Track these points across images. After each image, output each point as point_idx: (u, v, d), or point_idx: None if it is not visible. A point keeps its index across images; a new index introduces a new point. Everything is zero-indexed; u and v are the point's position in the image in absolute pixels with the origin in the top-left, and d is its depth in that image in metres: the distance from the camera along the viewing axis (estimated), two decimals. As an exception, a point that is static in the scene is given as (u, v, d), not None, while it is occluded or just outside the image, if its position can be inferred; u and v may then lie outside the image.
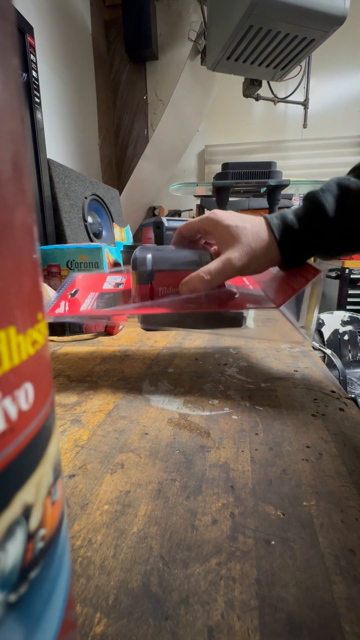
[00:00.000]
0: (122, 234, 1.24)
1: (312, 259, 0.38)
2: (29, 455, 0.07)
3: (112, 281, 0.45)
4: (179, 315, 0.37)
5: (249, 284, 0.44)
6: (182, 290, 0.35)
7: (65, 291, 0.42)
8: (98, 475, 0.22)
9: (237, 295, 0.37)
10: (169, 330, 0.41)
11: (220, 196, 1.32)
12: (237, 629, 0.13)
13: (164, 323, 0.38)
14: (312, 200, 0.36)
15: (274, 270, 0.41)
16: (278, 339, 0.44)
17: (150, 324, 0.38)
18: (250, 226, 0.36)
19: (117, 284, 0.44)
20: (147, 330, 0.40)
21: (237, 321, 0.38)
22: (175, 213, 2.27)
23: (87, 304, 0.40)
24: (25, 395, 0.07)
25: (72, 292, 0.42)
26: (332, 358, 1.05)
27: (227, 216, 0.36)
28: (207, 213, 0.38)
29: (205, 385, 0.36)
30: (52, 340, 0.53)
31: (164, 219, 1.08)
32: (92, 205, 1.24)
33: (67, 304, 0.40)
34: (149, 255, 0.36)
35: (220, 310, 0.37)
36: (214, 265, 0.34)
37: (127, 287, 0.43)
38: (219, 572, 0.16)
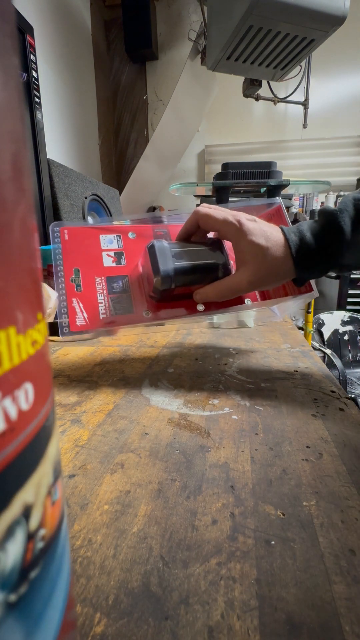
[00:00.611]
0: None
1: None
2: (29, 455, 0.07)
3: (109, 248, 0.40)
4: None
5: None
6: (195, 298, 0.38)
7: (66, 277, 0.38)
8: (98, 475, 0.22)
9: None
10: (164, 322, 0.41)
11: (220, 196, 1.33)
12: (237, 629, 0.13)
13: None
14: (329, 221, 0.35)
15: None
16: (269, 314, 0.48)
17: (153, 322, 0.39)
18: (272, 246, 0.35)
19: (117, 255, 0.40)
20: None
21: (214, 272, 0.37)
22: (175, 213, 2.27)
23: (102, 301, 0.37)
24: (25, 395, 0.07)
25: (73, 277, 0.38)
26: (332, 358, 1.05)
27: (252, 228, 0.35)
28: (229, 216, 0.36)
29: (205, 385, 0.36)
30: (52, 340, 0.53)
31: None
32: (92, 205, 1.24)
33: (81, 305, 0.37)
34: (171, 265, 0.35)
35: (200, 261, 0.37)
36: (230, 284, 0.36)
37: (129, 261, 0.40)
38: (219, 572, 0.16)
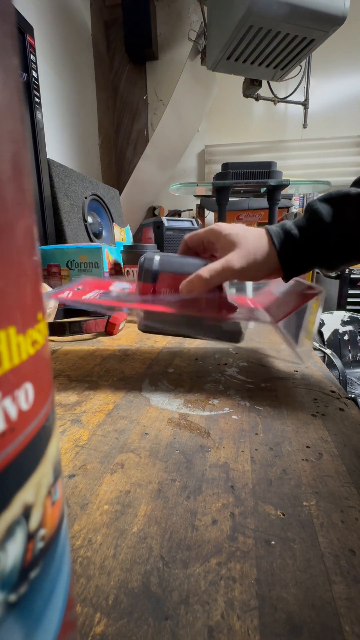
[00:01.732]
0: (122, 234, 1.24)
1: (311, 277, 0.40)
2: (29, 455, 0.07)
3: (118, 286, 0.46)
4: (179, 318, 0.37)
5: (252, 305, 0.44)
6: (182, 290, 0.36)
7: (72, 287, 0.43)
8: (98, 475, 0.22)
9: (237, 310, 0.37)
10: (166, 335, 0.41)
11: (220, 196, 1.32)
12: (237, 629, 0.13)
13: (163, 324, 0.38)
14: (309, 209, 0.38)
15: (277, 292, 0.42)
16: (274, 355, 0.45)
17: (149, 321, 0.39)
18: (250, 235, 0.37)
19: (123, 289, 0.45)
20: (145, 332, 0.40)
21: (235, 337, 0.38)
22: (175, 213, 2.27)
23: (91, 296, 0.40)
24: (25, 395, 0.07)
25: (78, 287, 0.43)
26: (332, 358, 1.05)
27: (228, 227, 0.38)
28: (211, 225, 0.39)
29: (205, 385, 0.36)
30: (52, 340, 0.53)
31: (164, 219, 1.08)
32: (92, 205, 1.24)
33: (70, 293, 0.41)
34: (157, 257, 0.38)
35: (220, 323, 0.38)
36: (213, 265, 0.35)
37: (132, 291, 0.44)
38: (219, 572, 0.16)
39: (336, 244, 0.36)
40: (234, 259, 0.35)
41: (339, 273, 1.71)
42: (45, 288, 0.67)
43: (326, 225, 0.37)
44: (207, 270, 0.35)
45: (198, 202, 2.08)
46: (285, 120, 2.29)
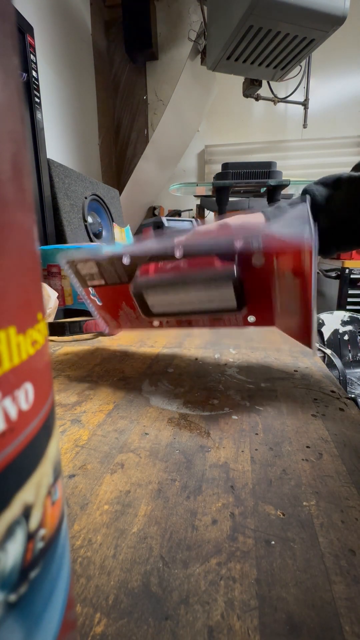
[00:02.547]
0: (122, 234, 1.24)
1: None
2: (29, 455, 0.07)
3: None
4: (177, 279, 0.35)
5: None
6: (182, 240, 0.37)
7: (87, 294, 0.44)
8: (98, 475, 0.22)
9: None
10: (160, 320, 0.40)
11: (220, 196, 1.33)
12: (237, 629, 0.13)
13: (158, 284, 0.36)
14: (305, 191, 0.41)
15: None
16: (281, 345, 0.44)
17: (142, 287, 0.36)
18: (250, 217, 0.40)
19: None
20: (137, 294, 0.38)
21: (225, 279, 0.34)
22: (175, 213, 2.27)
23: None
24: (25, 395, 0.07)
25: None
26: (332, 358, 1.05)
27: (235, 221, 0.40)
28: (220, 222, 0.40)
29: (205, 385, 0.36)
30: (52, 340, 0.53)
31: (164, 219, 1.08)
32: (92, 205, 1.24)
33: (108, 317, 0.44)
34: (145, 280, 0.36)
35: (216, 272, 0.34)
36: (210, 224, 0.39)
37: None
38: (219, 572, 0.16)
39: (326, 226, 0.36)
40: (230, 220, 0.38)
41: (338, 273, 1.71)
42: (46, 288, 0.67)
43: (317, 207, 0.39)
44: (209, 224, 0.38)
45: (198, 202, 2.08)
46: (285, 120, 2.29)
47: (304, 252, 0.30)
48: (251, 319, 0.37)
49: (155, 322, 0.40)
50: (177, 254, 0.35)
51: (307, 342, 0.34)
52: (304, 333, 0.34)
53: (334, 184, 0.41)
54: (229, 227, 0.39)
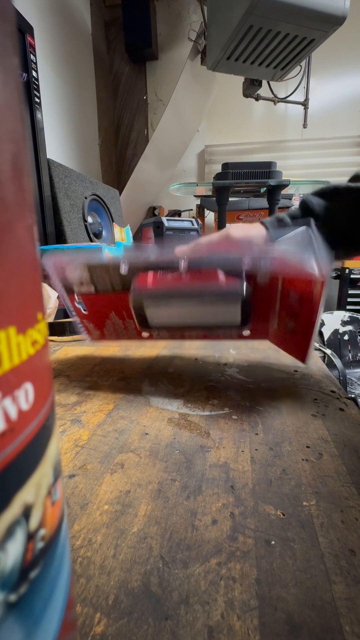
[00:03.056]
0: (122, 234, 1.24)
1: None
2: (29, 455, 0.07)
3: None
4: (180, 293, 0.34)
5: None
6: (176, 250, 0.38)
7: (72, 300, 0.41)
8: (98, 475, 0.22)
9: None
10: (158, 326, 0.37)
11: (220, 196, 1.33)
12: (237, 629, 0.13)
13: (160, 296, 0.35)
14: (303, 202, 0.43)
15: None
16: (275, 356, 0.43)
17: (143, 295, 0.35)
18: (251, 228, 0.41)
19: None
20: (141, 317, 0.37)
21: (233, 297, 0.33)
22: (175, 213, 2.27)
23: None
24: (25, 395, 0.07)
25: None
26: (332, 358, 1.05)
27: (236, 230, 0.41)
28: (222, 232, 0.41)
29: (205, 385, 0.36)
30: (52, 340, 0.53)
31: (164, 219, 1.08)
32: (92, 205, 1.24)
33: (91, 326, 0.41)
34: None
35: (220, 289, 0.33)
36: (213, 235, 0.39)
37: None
38: (219, 572, 0.16)
39: (325, 237, 0.37)
40: (232, 231, 0.39)
41: (338, 273, 1.71)
42: (46, 288, 0.67)
43: (315, 217, 0.40)
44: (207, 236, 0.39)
45: (198, 202, 2.08)
46: (285, 120, 2.29)
47: (317, 282, 0.29)
48: (245, 332, 0.36)
49: (145, 333, 0.38)
50: (182, 266, 0.34)
51: (302, 358, 0.34)
52: (299, 350, 0.34)
53: (331, 194, 0.42)
54: (233, 242, 0.39)
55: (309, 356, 0.33)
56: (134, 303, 0.35)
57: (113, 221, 1.32)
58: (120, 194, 1.67)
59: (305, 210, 0.43)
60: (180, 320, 0.35)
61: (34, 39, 0.96)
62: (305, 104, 1.80)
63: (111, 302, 0.37)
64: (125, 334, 0.40)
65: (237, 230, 0.40)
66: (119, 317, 0.38)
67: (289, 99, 1.65)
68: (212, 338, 0.37)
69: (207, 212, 2.12)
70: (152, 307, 0.35)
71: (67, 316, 0.73)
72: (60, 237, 1.06)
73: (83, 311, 0.39)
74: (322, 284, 0.29)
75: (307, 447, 0.25)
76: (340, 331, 1.35)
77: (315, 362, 0.42)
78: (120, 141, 2.46)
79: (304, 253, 0.31)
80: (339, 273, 1.71)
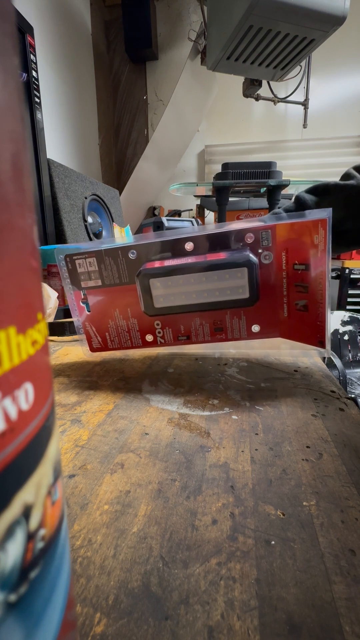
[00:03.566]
0: (122, 234, 1.24)
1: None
2: (29, 455, 0.07)
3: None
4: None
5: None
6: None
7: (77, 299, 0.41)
8: (98, 475, 0.22)
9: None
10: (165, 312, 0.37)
11: (220, 196, 1.33)
12: (237, 629, 0.13)
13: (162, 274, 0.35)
14: (297, 198, 0.47)
15: None
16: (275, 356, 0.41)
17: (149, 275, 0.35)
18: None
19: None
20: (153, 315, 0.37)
21: (241, 263, 0.33)
22: (175, 213, 2.28)
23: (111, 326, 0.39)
24: (25, 395, 0.07)
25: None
26: (332, 358, 1.05)
27: None
28: None
29: (205, 385, 0.36)
30: (52, 340, 0.53)
31: (164, 219, 1.09)
32: (92, 205, 1.24)
33: (94, 329, 0.40)
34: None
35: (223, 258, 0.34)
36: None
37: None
38: (219, 572, 0.16)
39: None
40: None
41: (338, 273, 1.71)
42: (46, 288, 0.67)
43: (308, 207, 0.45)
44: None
45: (198, 202, 2.08)
46: (285, 120, 2.29)
47: (319, 226, 0.31)
48: (255, 328, 0.36)
49: (149, 337, 0.38)
50: (188, 247, 0.35)
51: (321, 338, 0.33)
52: (315, 330, 0.33)
53: (323, 191, 0.46)
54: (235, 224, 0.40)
55: (327, 337, 0.32)
56: (140, 282, 0.35)
57: (113, 221, 1.33)
58: (120, 194, 1.67)
59: (299, 205, 0.47)
60: (187, 299, 0.35)
61: (34, 39, 0.96)
62: (305, 104, 1.80)
63: (117, 297, 0.37)
64: (127, 339, 0.39)
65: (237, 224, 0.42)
66: (123, 317, 0.38)
67: (289, 99, 1.65)
68: (220, 339, 0.37)
69: (207, 212, 2.12)
70: (158, 285, 0.35)
71: (67, 316, 0.74)
72: (60, 237, 1.06)
73: (87, 311, 0.39)
74: (325, 225, 0.30)
75: (307, 447, 0.25)
76: (340, 331, 1.35)
77: (315, 362, 0.42)
78: (120, 141, 2.46)
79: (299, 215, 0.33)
80: (339, 273, 1.71)
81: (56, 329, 0.52)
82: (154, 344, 0.38)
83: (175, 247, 0.35)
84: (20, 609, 0.07)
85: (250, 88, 1.36)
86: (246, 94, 1.41)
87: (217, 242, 0.34)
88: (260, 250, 0.34)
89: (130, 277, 0.36)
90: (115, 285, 0.37)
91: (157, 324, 0.37)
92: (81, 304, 0.39)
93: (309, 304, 0.33)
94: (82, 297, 0.38)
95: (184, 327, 0.37)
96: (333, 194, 0.45)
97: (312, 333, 0.34)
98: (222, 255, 0.34)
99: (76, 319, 0.39)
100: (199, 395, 0.33)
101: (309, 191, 0.48)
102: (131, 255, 0.36)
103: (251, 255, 0.33)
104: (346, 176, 0.48)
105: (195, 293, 0.35)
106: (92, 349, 0.40)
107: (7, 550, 0.06)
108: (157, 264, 0.35)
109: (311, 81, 1.86)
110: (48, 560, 0.08)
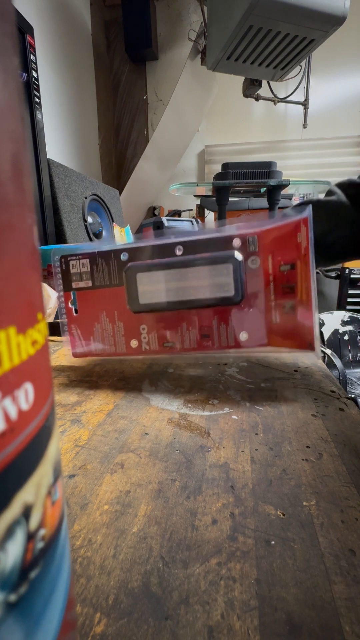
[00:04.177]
0: (122, 234, 1.24)
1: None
2: (29, 455, 0.07)
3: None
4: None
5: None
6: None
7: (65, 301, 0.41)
8: (98, 475, 0.22)
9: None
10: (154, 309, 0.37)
11: (220, 196, 1.32)
12: (237, 629, 0.13)
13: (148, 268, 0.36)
14: (282, 215, 0.49)
15: None
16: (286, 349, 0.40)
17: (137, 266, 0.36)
18: None
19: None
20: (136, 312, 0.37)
21: (226, 260, 0.34)
22: (175, 213, 2.28)
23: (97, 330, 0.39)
24: (25, 395, 0.07)
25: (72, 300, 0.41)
26: (332, 358, 1.05)
27: None
28: None
29: (205, 385, 0.36)
30: (52, 340, 0.53)
31: (164, 219, 1.09)
32: (92, 205, 1.24)
33: (79, 332, 0.40)
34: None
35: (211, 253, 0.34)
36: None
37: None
38: (219, 572, 0.16)
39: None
40: None
41: (338, 273, 1.71)
42: (46, 288, 0.67)
43: None
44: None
45: (198, 202, 2.08)
46: (285, 120, 2.30)
47: (301, 224, 0.32)
48: (243, 335, 0.36)
49: (134, 342, 0.37)
50: (178, 252, 0.35)
51: (309, 340, 0.33)
52: (304, 333, 0.33)
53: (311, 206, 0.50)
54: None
55: (316, 337, 0.32)
56: (127, 276, 0.36)
57: (113, 221, 1.33)
58: (120, 194, 1.67)
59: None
60: (172, 295, 0.35)
61: (34, 39, 0.96)
62: (305, 104, 1.80)
63: (105, 299, 0.37)
64: (112, 344, 0.38)
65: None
66: (110, 320, 0.38)
67: (289, 99, 1.65)
68: (207, 348, 0.37)
69: (207, 212, 2.12)
70: (144, 280, 0.36)
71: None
72: (60, 237, 1.06)
73: (74, 313, 0.39)
74: (307, 223, 0.31)
75: (307, 447, 0.25)
76: (340, 331, 1.35)
77: (315, 362, 0.42)
78: (120, 141, 2.46)
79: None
80: (339, 273, 1.71)
81: (56, 329, 0.52)
82: (138, 350, 0.38)
83: (165, 251, 0.35)
84: (20, 609, 0.07)
85: (250, 88, 1.36)
86: (246, 94, 1.41)
87: (207, 246, 0.35)
88: (247, 256, 0.35)
89: (120, 278, 0.36)
90: (105, 286, 0.37)
91: (143, 329, 0.37)
92: (70, 305, 0.39)
93: (296, 305, 0.33)
94: (71, 298, 0.38)
95: (169, 332, 0.37)
96: (316, 208, 0.48)
97: (301, 336, 0.34)
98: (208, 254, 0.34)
99: (62, 323, 0.39)
100: (199, 395, 0.33)
101: (294, 208, 0.51)
102: (123, 257, 0.36)
103: (237, 252, 0.34)
104: (329, 192, 0.51)
105: (181, 290, 0.35)
106: (75, 355, 0.40)
107: (7, 550, 0.06)
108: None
109: (311, 81, 1.86)
110: (48, 560, 0.08)
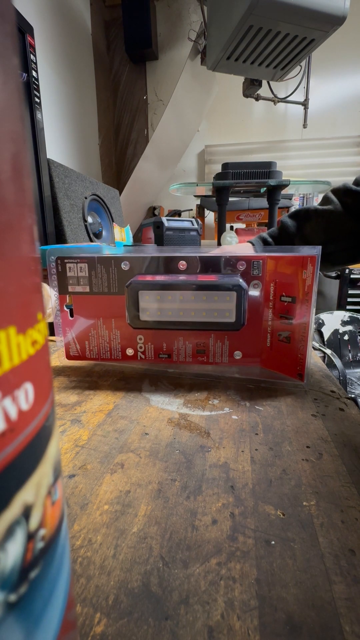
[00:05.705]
0: (122, 234, 1.24)
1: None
2: (29, 455, 0.07)
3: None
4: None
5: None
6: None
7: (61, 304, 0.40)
8: (98, 475, 0.22)
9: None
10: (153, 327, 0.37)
11: (220, 196, 1.32)
12: (237, 629, 0.13)
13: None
14: (280, 223, 0.52)
15: None
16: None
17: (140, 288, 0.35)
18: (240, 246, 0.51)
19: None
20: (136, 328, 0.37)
21: (231, 287, 0.34)
22: (175, 213, 2.28)
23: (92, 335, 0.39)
24: (25, 395, 0.07)
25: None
26: (332, 358, 1.05)
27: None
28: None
29: (205, 385, 0.36)
30: (52, 341, 0.53)
31: (164, 219, 1.09)
32: (92, 205, 1.24)
33: (74, 336, 0.39)
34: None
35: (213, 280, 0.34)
36: None
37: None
38: (219, 572, 0.16)
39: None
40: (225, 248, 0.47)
41: (338, 273, 1.71)
42: (46, 288, 0.67)
43: (291, 236, 0.50)
44: None
45: (198, 202, 2.08)
46: (285, 120, 2.29)
47: (308, 262, 0.32)
48: (237, 354, 0.36)
49: (130, 351, 0.37)
50: (181, 266, 0.35)
51: (300, 370, 0.34)
52: (296, 362, 0.34)
53: (304, 216, 0.50)
54: (227, 249, 0.46)
55: (307, 371, 0.33)
56: (129, 292, 0.35)
57: (113, 221, 1.32)
58: (120, 194, 1.67)
59: (282, 230, 0.52)
60: (173, 316, 0.35)
61: (34, 39, 0.96)
62: (305, 104, 1.80)
63: (103, 306, 0.37)
64: (107, 350, 0.38)
65: (228, 248, 0.50)
66: (106, 327, 0.37)
67: (289, 99, 1.65)
68: (201, 362, 0.37)
69: (207, 212, 2.12)
70: (146, 297, 0.35)
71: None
72: (60, 237, 1.06)
73: (69, 317, 0.38)
74: (314, 261, 0.31)
75: (307, 447, 0.25)
76: (340, 331, 1.35)
77: (315, 362, 0.42)
78: (120, 141, 2.46)
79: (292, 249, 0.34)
80: (339, 273, 1.71)
81: (52, 329, 0.52)
82: (133, 358, 0.38)
83: (169, 265, 0.35)
84: (20, 609, 0.07)
85: (250, 88, 1.36)
86: (246, 94, 1.41)
87: (210, 264, 0.35)
88: (250, 280, 0.35)
89: (120, 287, 0.36)
90: (104, 294, 0.36)
91: (140, 339, 0.37)
92: (65, 308, 0.38)
93: (292, 336, 0.34)
94: (67, 301, 0.38)
95: (166, 344, 0.37)
96: (314, 219, 0.49)
97: (293, 365, 0.34)
98: (213, 277, 0.34)
99: (56, 325, 0.39)
100: (199, 395, 0.33)
101: (291, 216, 0.52)
102: (124, 267, 0.36)
103: (241, 280, 0.34)
104: (325, 200, 0.51)
105: (182, 311, 0.35)
106: (69, 357, 0.39)
107: (7, 550, 0.06)
108: (148, 278, 0.35)
109: (311, 81, 1.86)
110: (48, 560, 0.08)
